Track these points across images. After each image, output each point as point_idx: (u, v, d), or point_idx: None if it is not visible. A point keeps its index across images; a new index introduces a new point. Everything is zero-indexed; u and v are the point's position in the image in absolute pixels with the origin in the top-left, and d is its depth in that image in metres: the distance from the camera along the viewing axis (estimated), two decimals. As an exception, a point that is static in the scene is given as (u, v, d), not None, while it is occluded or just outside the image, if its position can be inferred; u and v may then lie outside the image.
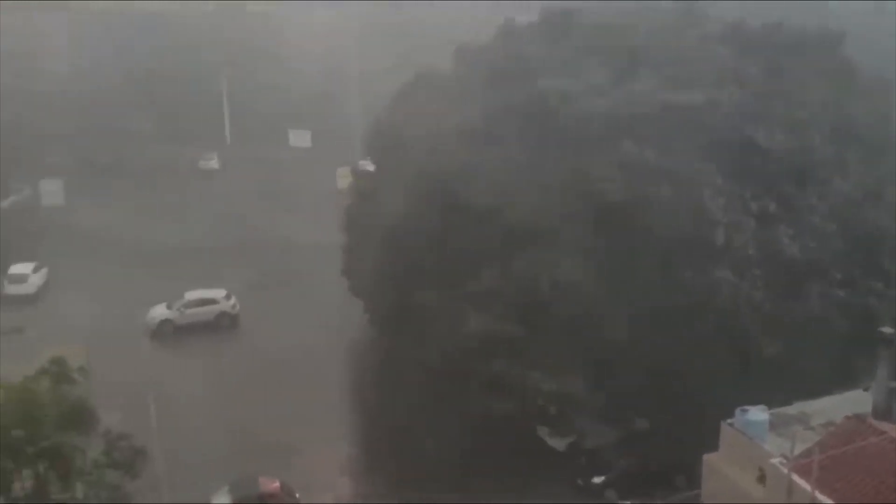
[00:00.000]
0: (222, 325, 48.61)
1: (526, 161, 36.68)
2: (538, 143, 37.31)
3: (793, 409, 28.47)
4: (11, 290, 52.17)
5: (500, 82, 41.10)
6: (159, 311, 48.31)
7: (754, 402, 27.10)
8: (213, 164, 78.60)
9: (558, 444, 36.64)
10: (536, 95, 38.46)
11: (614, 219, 34.20)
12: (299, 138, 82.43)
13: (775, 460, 25.06)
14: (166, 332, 47.77)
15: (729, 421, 27.11)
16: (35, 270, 53.53)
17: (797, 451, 24.02)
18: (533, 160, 36.60)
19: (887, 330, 27.35)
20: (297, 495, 33.74)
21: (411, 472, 35.71)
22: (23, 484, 25.61)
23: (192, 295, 48.89)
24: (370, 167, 53.59)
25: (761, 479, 25.49)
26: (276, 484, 33.37)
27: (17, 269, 53.24)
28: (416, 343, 37.98)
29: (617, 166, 34.91)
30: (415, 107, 44.42)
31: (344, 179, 62.33)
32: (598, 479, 34.67)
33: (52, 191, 67.25)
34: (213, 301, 48.93)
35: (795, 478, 23.40)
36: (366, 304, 44.48)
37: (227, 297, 49.39)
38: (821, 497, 22.94)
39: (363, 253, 43.60)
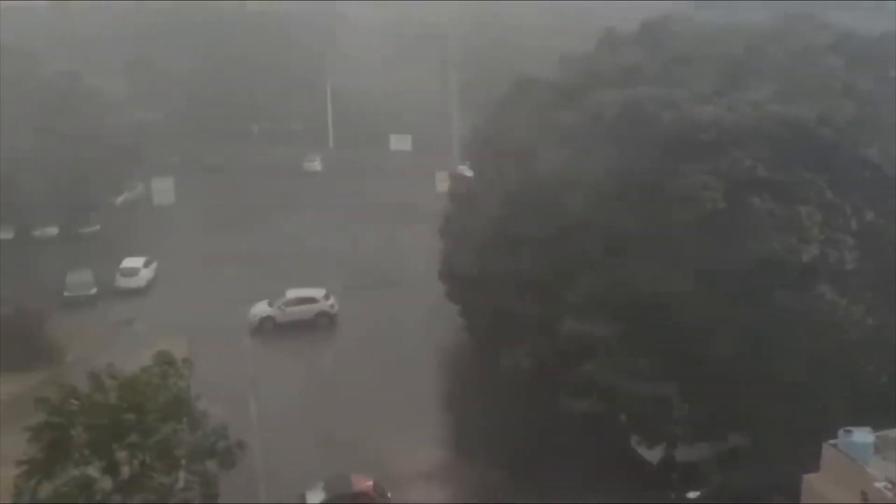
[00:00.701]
0: (321, 324, 49.58)
1: (625, 168, 36.38)
2: (638, 150, 36.93)
3: (898, 432, 27.52)
4: (123, 283, 54.45)
5: (601, 89, 40.88)
6: (261, 308, 49.57)
7: (858, 424, 26.32)
8: (316, 165, 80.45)
9: (651, 455, 36.20)
10: (637, 103, 38.13)
11: (713, 229, 33.65)
12: (400, 142, 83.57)
13: (880, 484, 24.30)
14: (267, 329, 48.99)
15: (832, 441, 26.39)
16: (146, 265, 55.72)
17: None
18: (632, 167, 36.26)
19: None
20: (389, 495, 34.16)
21: (500, 475, 35.77)
22: (130, 467, 26.62)
23: (293, 293, 50.01)
24: (469, 172, 53.98)
25: (864, 503, 24.75)
26: (370, 483, 33.86)
27: (128, 263, 55.51)
28: (510, 348, 38.06)
29: (717, 175, 34.35)
30: (515, 113, 44.56)
31: (443, 184, 62.81)
32: (692, 495, 34.09)
33: (163, 189, 69.95)
34: (312, 300, 49.96)
35: (900, 504, 22.70)
36: (461, 309, 44.78)
37: (326, 296, 50.38)
38: (926, 525, 22.19)
39: (460, 258, 43.92)
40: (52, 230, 63.44)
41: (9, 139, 59.37)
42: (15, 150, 59.17)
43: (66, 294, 52.49)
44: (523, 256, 37.57)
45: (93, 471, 25.97)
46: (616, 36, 47.54)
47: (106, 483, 26.19)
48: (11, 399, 39.70)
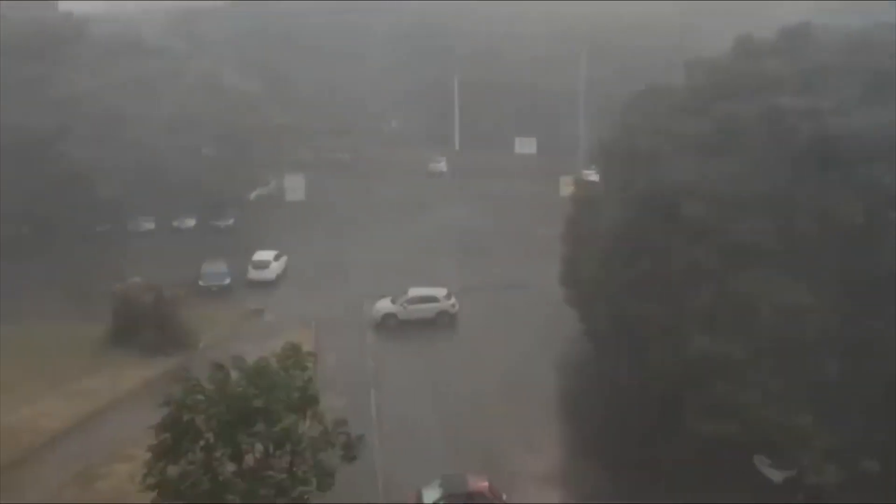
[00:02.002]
0: (441, 323, 50.23)
1: (756, 178, 35.57)
2: (771, 160, 36.06)
3: None
4: (254, 275, 56.51)
5: (734, 97, 40.04)
6: (384, 305, 50.62)
7: None
8: (442, 167, 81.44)
9: (775, 475, 35.18)
10: (772, 111, 37.21)
11: (849, 244, 32.54)
12: (525, 145, 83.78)
13: None
14: (389, 326, 49.97)
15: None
16: (276, 258, 57.64)
17: None
18: (764, 177, 35.42)
19: None
20: (504, 496, 34.37)
21: (616, 485, 35.48)
22: (253, 456, 27.58)
23: (416, 292, 50.86)
24: (594, 177, 53.69)
25: None
26: (485, 483, 34.11)
27: (260, 256, 57.55)
28: (630, 357, 37.71)
29: (856, 190, 33.20)
30: (644, 119, 44.09)
31: (567, 188, 62.66)
32: (817, 517, 33.01)
33: (294, 186, 72.32)
34: (434, 299, 50.69)
35: None
36: (581, 315, 44.63)
37: (448, 296, 51.03)
38: None
39: (582, 263, 43.77)
40: (190, 222, 66.54)
41: (152, 135, 62.66)
42: (158, 146, 62.39)
43: (201, 283, 54.88)
44: (646, 265, 37.18)
45: (217, 456, 26.87)
46: (752, 42, 46.37)
47: (230, 468, 27.06)
48: (149, 382, 41.83)
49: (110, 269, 53.36)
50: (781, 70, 40.36)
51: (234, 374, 27.67)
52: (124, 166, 61.03)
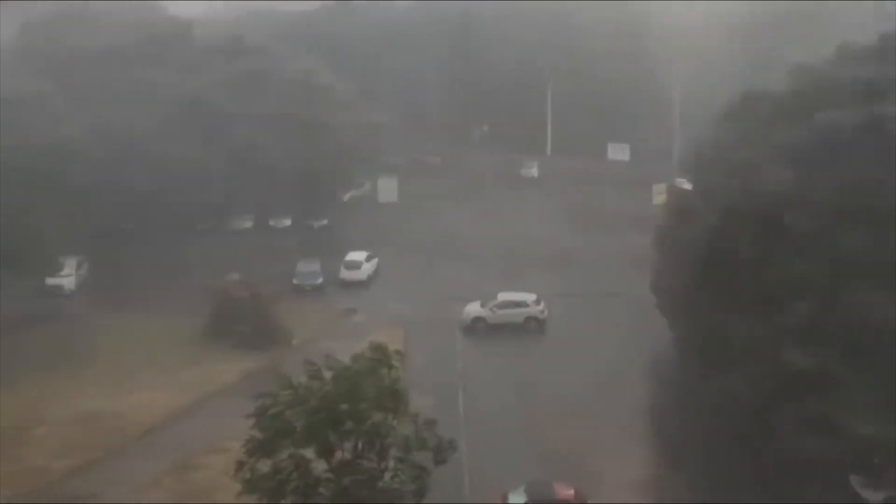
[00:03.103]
0: (530, 328, 50.28)
1: (861, 189, 34.63)
2: (875, 170, 35.06)
3: None
4: (346, 275, 57.54)
5: (836, 105, 39.04)
6: (474, 309, 50.94)
7: None
8: (533, 172, 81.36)
9: (872, 496, 34.19)
10: (876, 120, 36.16)
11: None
12: (618, 151, 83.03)
13: None
14: (478, 329, 50.26)
15: None
16: (368, 259, 58.58)
17: None
18: (870, 188, 34.45)
19: None
20: (589, 504, 34.28)
21: (703, 495, 35.00)
22: (343, 454, 28.06)
23: (505, 296, 51.03)
24: (687, 185, 52.98)
25: None
26: (571, 491, 34.06)
27: (352, 256, 58.57)
28: (720, 369, 37.11)
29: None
30: (741, 127, 43.33)
31: (660, 196, 62.03)
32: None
33: (388, 188, 73.30)
34: (523, 304, 50.79)
35: None
36: (671, 324, 44.14)
37: (537, 301, 51.06)
38: None
39: (673, 272, 43.25)
40: (286, 221, 68.11)
41: (250, 135, 64.35)
42: (258, 146, 64.07)
43: (295, 282, 56.16)
44: (741, 275, 36.57)
45: (308, 453, 27.41)
46: (853, 49, 45.11)
47: (321, 465, 27.58)
48: (244, 375, 43.06)
49: (210, 265, 55.04)
50: (884, 77, 39.19)
51: (324, 373, 28.13)
52: (225, 165, 62.88)
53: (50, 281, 53.74)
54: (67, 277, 54.88)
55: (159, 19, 75.16)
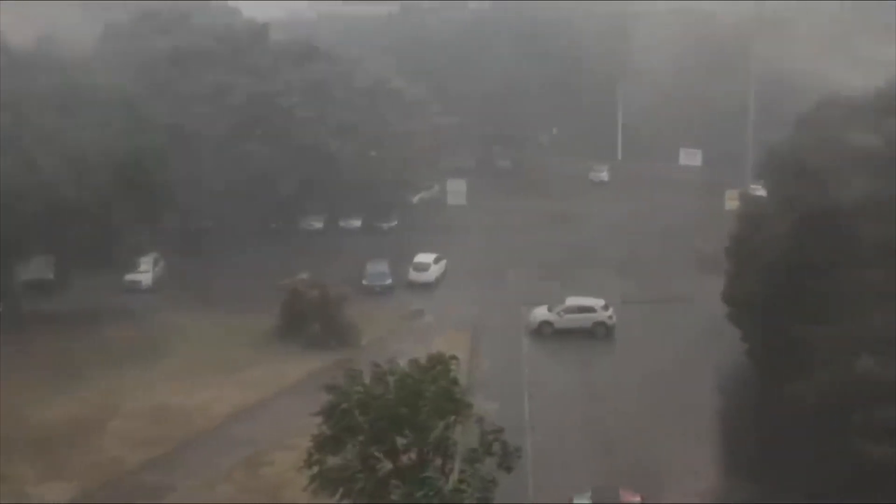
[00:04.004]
0: (597, 333, 50.00)
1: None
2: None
3: None
4: (415, 276, 57.98)
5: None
6: (541, 313, 50.86)
7: None
8: (604, 176, 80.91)
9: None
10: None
11: None
12: (689, 157, 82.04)
13: None
14: (545, 334, 50.19)
15: None
16: (436, 261, 58.92)
17: None
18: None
19: None
20: (656, 511, 33.98)
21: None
22: (408, 457, 28.17)
23: (573, 301, 50.83)
24: (761, 192, 52.14)
25: None
26: (638, 498, 33.83)
27: (420, 258, 58.98)
28: (793, 378, 36.44)
29: None
30: (818, 132, 42.49)
31: (732, 202, 61.14)
32: None
33: (456, 190, 73.60)
34: (591, 309, 50.53)
35: None
36: (744, 334, 43.48)
37: (605, 307, 50.75)
38: None
39: (745, 280, 42.60)
40: (356, 223, 68.86)
41: (324, 137, 65.29)
42: (330, 148, 64.97)
43: (364, 282, 56.76)
44: (816, 283, 35.89)
45: (375, 452, 27.61)
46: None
47: (387, 466, 27.76)
48: (313, 374, 43.62)
49: (281, 265, 55.98)
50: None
51: (388, 378, 28.13)
52: (298, 167, 63.89)
53: (128, 277, 55.26)
54: (144, 274, 56.35)
55: (236, 23, 76.70)
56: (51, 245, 49.63)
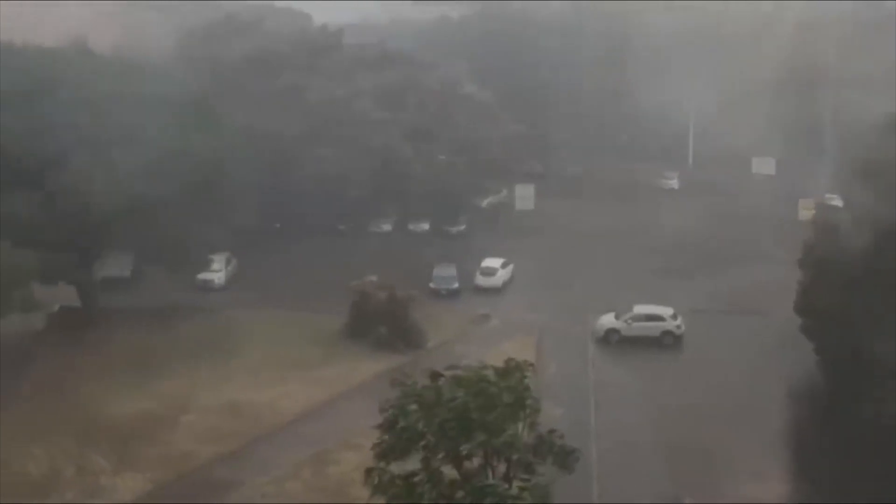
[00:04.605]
0: (665, 342, 49.52)
1: None
2: None
3: None
4: (482, 281, 58.09)
5: None
6: (608, 320, 50.56)
7: None
8: (673, 183, 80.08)
9: None
10: None
11: None
12: (762, 165, 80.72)
13: None
14: (611, 341, 49.87)
15: None
16: (503, 266, 58.98)
17: None
18: None
19: None
20: (721, 524, 33.58)
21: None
22: (472, 462, 28.22)
23: (641, 309, 50.42)
24: (837, 202, 51.09)
25: None
26: (704, 509, 33.52)
27: (488, 262, 59.09)
28: (868, 394, 35.72)
29: None
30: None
31: (806, 212, 60.02)
32: None
33: (525, 195, 73.54)
34: (659, 318, 50.07)
35: None
36: (817, 346, 42.67)
37: (674, 316, 50.24)
38: None
39: (820, 292, 41.86)
40: (424, 226, 69.20)
41: (395, 141, 65.90)
42: (400, 151, 65.53)
43: (431, 286, 57.07)
44: (893, 299, 35.10)
45: (438, 461, 27.62)
46: None
47: (451, 473, 27.80)
48: (379, 375, 43.93)
49: (350, 266, 56.57)
50: None
51: (452, 383, 28.06)
52: (369, 169, 64.57)
53: (201, 276, 56.45)
54: (217, 273, 57.53)
55: (310, 27, 77.82)
56: (127, 243, 50.86)
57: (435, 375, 28.12)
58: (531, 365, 28.74)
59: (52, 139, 46.20)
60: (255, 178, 54.80)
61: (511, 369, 28.07)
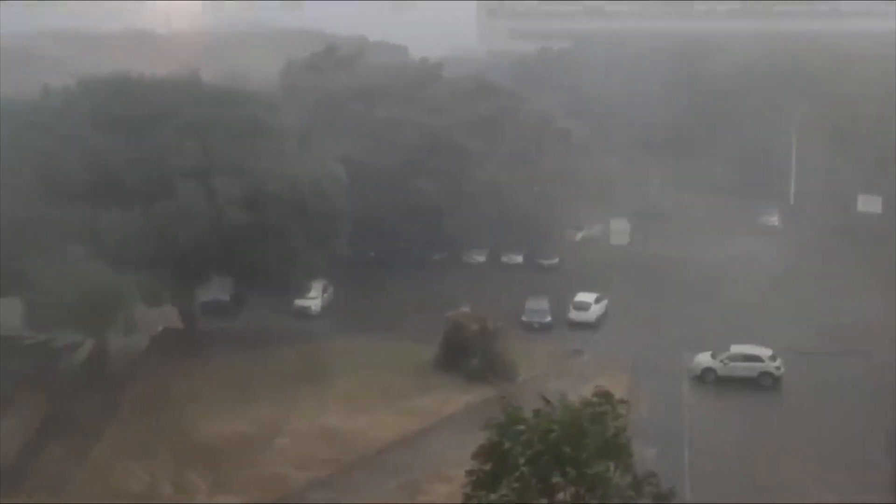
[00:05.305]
0: (763, 384, 48.29)
1: None
2: None
3: None
4: (575, 315, 57.70)
5: None
6: (704, 359, 49.61)
7: None
8: (774, 220, 78.18)
9: None
10: None
11: None
12: (869, 203, 78.22)
13: None
14: (707, 381, 48.91)
15: None
16: (597, 301, 58.49)
17: None
18: None
19: None
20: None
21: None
22: (564, 495, 27.94)
23: (738, 349, 49.35)
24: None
25: None
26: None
27: (581, 297, 58.68)
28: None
29: None
30: None
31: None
32: None
33: (620, 230, 73.08)
34: (757, 358, 48.88)
35: None
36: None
37: (773, 357, 48.95)
38: None
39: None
40: (518, 258, 69.12)
41: (491, 172, 66.20)
42: (496, 183, 65.77)
43: (523, 318, 56.92)
44: None
45: (531, 492, 27.46)
46: None
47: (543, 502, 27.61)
48: (470, 407, 44.12)
49: (443, 296, 56.92)
50: None
51: (546, 416, 28.02)
52: (464, 201, 65.00)
53: (298, 302, 57.60)
54: (314, 300, 58.59)
55: (409, 60, 79.09)
56: (229, 268, 52.28)
57: (545, 402, 28.09)
58: (624, 402, 28.46)
59: (162, 165, 47.99)
60: (350, 207, 55.78)
61: (603, 405, 27.96)
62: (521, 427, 27.34)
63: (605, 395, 28.56)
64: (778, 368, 48.68)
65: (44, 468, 39.50)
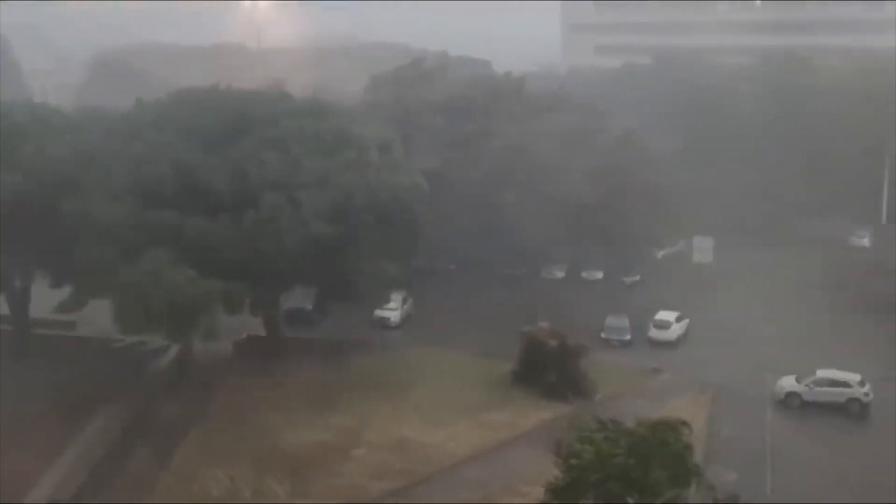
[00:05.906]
0: (850, 410, 46.93)
1: None
2: None
3: None
4: (655, 334, 56.95)
5: None
6: (788, 383, 48.44)
7: None
8: (865, 242, 75.86)
9: None
10: None
11: None
12: (969, 224, 75.21)
13: None
14: (791, 405, 47.76)
15: None
16: (678, 320, 57.60)
17: None
18: None
19: None
20: None
21: None
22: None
23: (824, 374, 48.07)
24: None
25: None
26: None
27: (662, 315, 57.88)
28: None
29: None
30: None
31: None
32: None
33: (703, 247, 71.80)
34: (845, 384, 47.51)
35: None
36: None
37: (861, 383, 47.50)
38: None
39: None
40: (598, 275, 68.56)
41: (572, 187, 65.77)
42: (577, 198, 65.30)
43: (602, 336, 56.42)
44: None
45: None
46: None
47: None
48: (546, 423, 43.89)
49: (521, 311, 56.79)
50: None
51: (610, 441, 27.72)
52: (545, 214, 64.73)
53: (378, 313, 58.20)
54: (394, 311, 59.13)
55: (493, 74, 79.29)
56: (312, 277, 53.04)
57: (604, 426, 27.93)
58: (685, 424, 28.01)
59: (248, 176, 49.05)
60: (431, 219, 56.08)
61: (665, 429, 27.60)
62: (590, 450, 27.12)
63: (666, 421, 28.19)
64: (866, 395, 47.24)
65: (128, 470, 40.66)
